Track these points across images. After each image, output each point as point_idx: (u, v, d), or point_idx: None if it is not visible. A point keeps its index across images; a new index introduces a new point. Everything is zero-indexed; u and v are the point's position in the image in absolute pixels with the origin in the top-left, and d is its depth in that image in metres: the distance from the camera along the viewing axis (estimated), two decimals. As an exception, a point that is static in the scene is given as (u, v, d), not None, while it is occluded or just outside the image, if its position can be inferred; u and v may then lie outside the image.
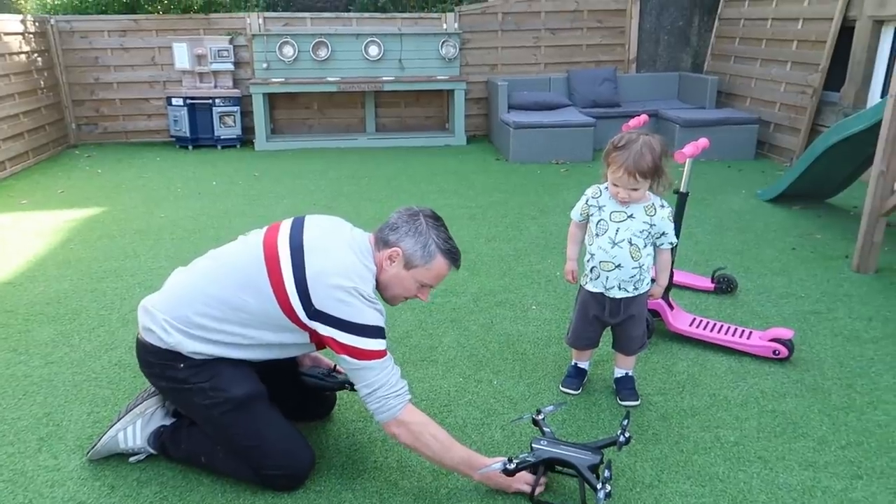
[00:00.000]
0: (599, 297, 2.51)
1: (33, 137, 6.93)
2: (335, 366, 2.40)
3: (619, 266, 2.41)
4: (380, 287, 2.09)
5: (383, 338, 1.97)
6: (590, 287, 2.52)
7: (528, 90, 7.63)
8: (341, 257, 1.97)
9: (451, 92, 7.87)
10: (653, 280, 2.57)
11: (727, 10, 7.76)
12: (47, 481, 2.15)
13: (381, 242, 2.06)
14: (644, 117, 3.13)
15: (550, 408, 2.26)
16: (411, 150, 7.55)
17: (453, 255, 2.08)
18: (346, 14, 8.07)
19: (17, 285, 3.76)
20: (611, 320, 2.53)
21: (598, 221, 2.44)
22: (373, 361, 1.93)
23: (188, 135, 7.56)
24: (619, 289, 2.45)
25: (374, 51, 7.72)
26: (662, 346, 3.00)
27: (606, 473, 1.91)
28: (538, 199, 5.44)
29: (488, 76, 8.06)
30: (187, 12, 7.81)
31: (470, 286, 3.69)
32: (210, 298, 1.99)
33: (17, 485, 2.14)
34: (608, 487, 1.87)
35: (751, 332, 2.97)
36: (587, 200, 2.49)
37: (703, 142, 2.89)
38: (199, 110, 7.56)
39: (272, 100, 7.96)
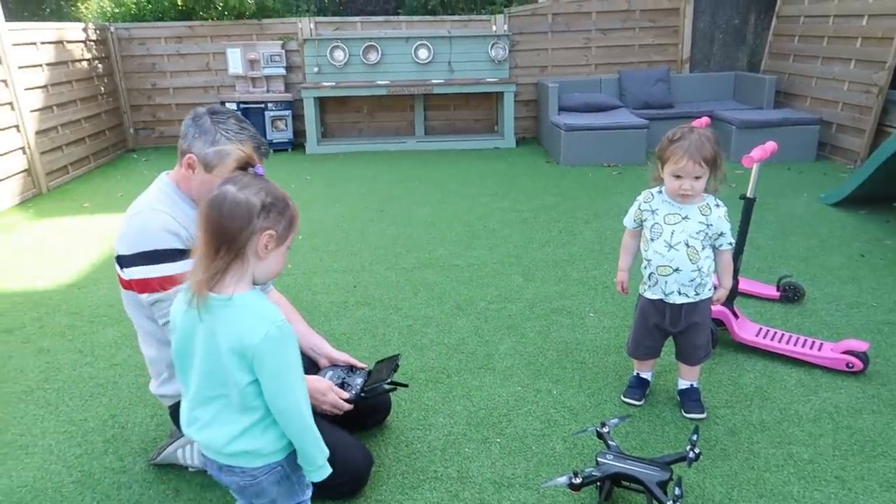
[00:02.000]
0: (659, 305, 2.43)
1: (94, 142, 7.14)
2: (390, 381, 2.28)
3: (677, 270, 2.33)
4: (198, 202, 1.95)
5: (176, 260, 1.83)
6: (648, 294, 2.45)
7: (578, 92, 7.53)
8: (131, 208, 2.00)
9: (500, 94, 7.83)
10: (715, 286, 2.48)
11: (786, 7, 7.52)
12: (114, 483, 2.19)
13: (179, 154, 1.95)
14: (706, 119, 3.03)
15: (615, 420, 2.20)
16: (460, 152, 7.53)
17: (249, 142, 1.91)
18: (395, 17, 8.10)
19: (82, 287, 3.87)
20: (672, 329, 2.45)
21: (653, 225, 2.37)
22: (163, 293, 1.86)
23: (241, 139, 7.67)
24: (679, 294, 2.37)
25: (423, 54, 7.72)
26: (728, 356, 2.90)
27: (677, 491, 1.85)
28: (591, 202, 5.35)
29: (538, 78, 7.98)
30: (241, 18, 7.95)
31: (525, 292, 3.64)
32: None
33: (85, 486, 2.18)
34: (679, 506, 1.81)
35: (821, 344, 2.85)
36: (639, 206, 2.42)
37: (770, 145, 2.78)
38: (251, 114, 7.67)
39: (323, 103, 8.04)
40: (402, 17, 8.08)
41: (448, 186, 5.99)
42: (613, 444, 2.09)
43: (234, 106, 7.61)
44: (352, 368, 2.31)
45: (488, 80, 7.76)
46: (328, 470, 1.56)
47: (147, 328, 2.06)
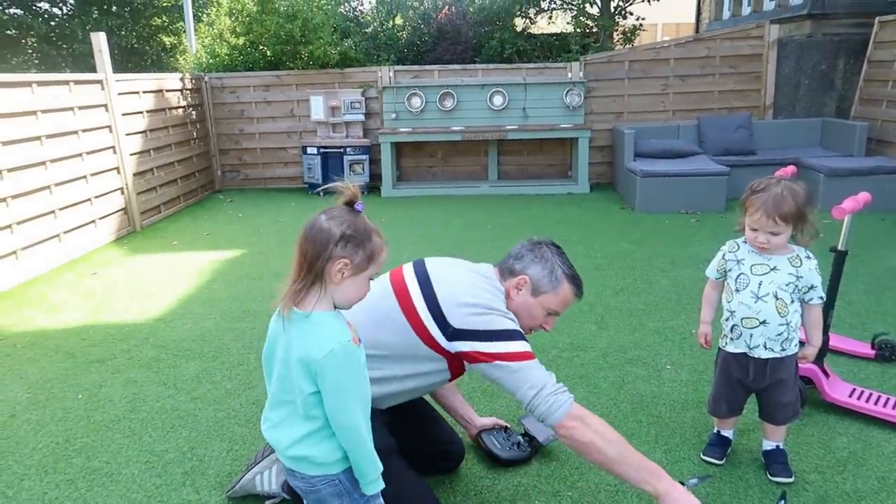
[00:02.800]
0: (742, 359, 2.33)
1: (185, 183, 7.55)
2: (524, 433, 2.52)
3: (763, 322, 2.23)
4: (522, 318, 2.10)
5: (527, 341, 1.95)
6: (731, 348, 2.35)
7: (655, 138, 7.44)
8: (468, 281, 2.02)
9: (574, 140, 7.83)
10: (802, 342, 2.36)
11: (877, 52, 7.25)
12: (190, 516, 2.25)
13: (507, 272, 2.09)
14: (792, 168, 2.94)
15: (695, 480, 2.10)
16: (533, 197, 7.54)
17: (578, 282, 2.11)
18: (472, 66, 8.28)
19: (168, 322, 4.05)
20: (756, 385, 2.34)
21: (738, 276, 2.29)
22: (527, 362, 1.90)
23: (320, 182, 7.97)
24: (765, 348, 2.27)
25: (498, 100, 7.84)
26: (818, 417, 2.73)
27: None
28: (668, 250, 5.22)
29: (613, 124, 7.95)
30: (324, 67, 8.31)
31: (598, 341, 3.56)
32: None
33: (163, 517, 2.25)
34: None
35: (923, 408, 2.65)
36: (724, 255, 2.35)
37: (863, 196, 2.66)
38: (331, 158, 7.96)
39: (399, 148, 8.25)
40: (478, 66, 8.26)
41: (520, 231, 5.99)
42: (693, 505, 1.99)
43: (314, 150, 7.92)
44: (505, 429, 2.52)
45: (563, 125, 7.78)
46: (381, 485, 1.65)
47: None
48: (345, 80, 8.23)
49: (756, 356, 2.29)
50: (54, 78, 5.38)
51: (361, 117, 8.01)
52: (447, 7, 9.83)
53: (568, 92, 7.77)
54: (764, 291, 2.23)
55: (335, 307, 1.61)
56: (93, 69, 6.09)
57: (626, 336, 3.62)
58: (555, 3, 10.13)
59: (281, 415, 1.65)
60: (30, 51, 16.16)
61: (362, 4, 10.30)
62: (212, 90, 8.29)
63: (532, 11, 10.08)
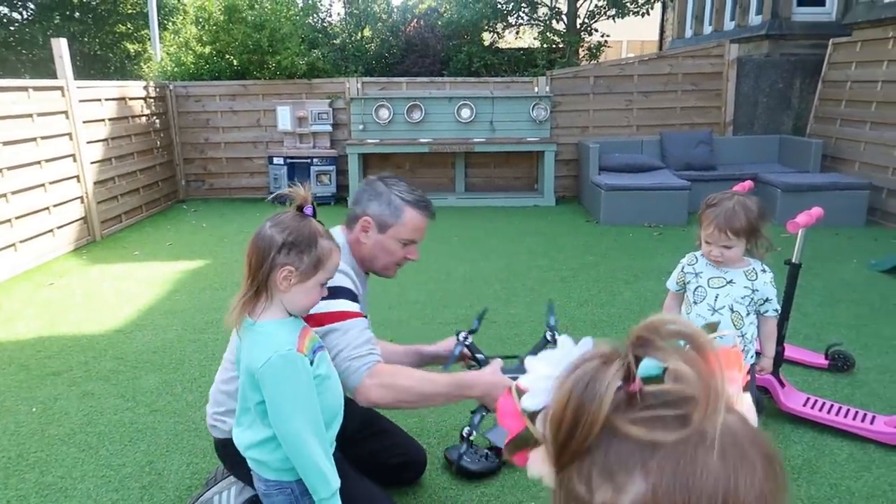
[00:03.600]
0: None
1: (147, 192, 7.43)
2: (490, 446, 2.53)
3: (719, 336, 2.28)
4: (367, 262, 2.07)
5: (354, 301, 1.89)
6: None
7: (619, 152, 7.57)
8: None
9: (540, 153, 7.92)
10: (758, 353, 2.42)
11: (832, 72, 7.50)
12: (148, 531, 2.20)
13: (351, 220, 2.06)
14: (749, 183, 3.02)
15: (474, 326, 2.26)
16: (500, 210, 7.59)
17: (421, 204, 2.04)
18: (440, 78, 8.33)
19: (128, 333, 3.97)
20: None
21: (696, 289, 2.34)
22: (337, 323, 1.83)
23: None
24: None
25: (466, 113, 7.90)
26: (774, 426, 2.80)
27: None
28: (631, 262, 5.31)
29: (579, 138, 8.07)
30: (292, 78, 8.28)
31: (562, 352, 3.60)
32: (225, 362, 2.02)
33: (119, 532, 2.19)
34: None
35: (874, 417, 2.73)
36: (682, 268, 2.41)
37: (816, 211, 2.74)
38: (297, 168, 7.91)
39: (366, 159, 8.24)
40: (446, 78, 8.31)
41: (487, 243, 6.02)
42: None
43: (280, 161, 7.87)
44: (470, 444, 2.38)
45: (529, 139, 7.87)
46: (337, 503, 1.61)
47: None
48: (312, 90, 8.20)
49: None
50: (13, 84, 5.27)
51: (329, 128, 7.99)
52: (416, 20, 9.89)
53: (534, 106, 7.87)
54: (720, 304, 2.28)
55: (289, 314, 1.61)
56: (53, 75, 5.97)
57: (589, 347, 3.66)
58: (522, 18, 10.26)
59: (248, 419, 1.66)
60: (-13, 55, 15.76)
61: (331, 16, 10.30)
62: (176, 99, 8.18)
63: (499, 26, 10.20)
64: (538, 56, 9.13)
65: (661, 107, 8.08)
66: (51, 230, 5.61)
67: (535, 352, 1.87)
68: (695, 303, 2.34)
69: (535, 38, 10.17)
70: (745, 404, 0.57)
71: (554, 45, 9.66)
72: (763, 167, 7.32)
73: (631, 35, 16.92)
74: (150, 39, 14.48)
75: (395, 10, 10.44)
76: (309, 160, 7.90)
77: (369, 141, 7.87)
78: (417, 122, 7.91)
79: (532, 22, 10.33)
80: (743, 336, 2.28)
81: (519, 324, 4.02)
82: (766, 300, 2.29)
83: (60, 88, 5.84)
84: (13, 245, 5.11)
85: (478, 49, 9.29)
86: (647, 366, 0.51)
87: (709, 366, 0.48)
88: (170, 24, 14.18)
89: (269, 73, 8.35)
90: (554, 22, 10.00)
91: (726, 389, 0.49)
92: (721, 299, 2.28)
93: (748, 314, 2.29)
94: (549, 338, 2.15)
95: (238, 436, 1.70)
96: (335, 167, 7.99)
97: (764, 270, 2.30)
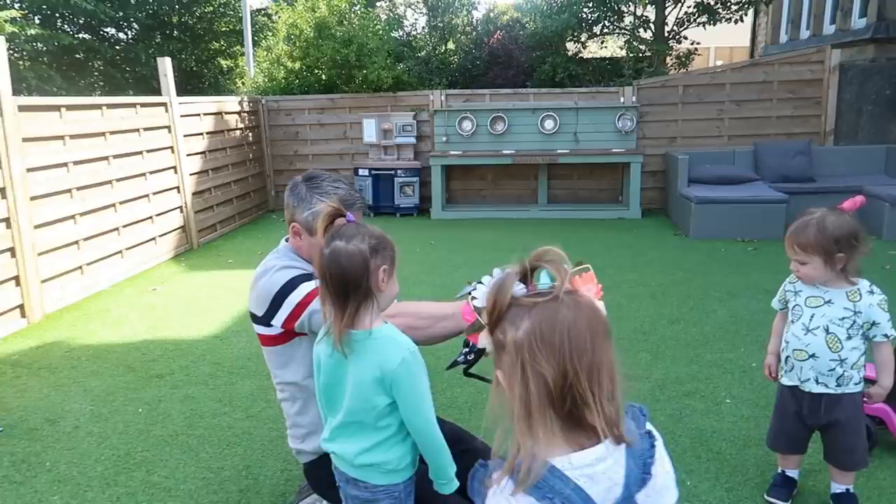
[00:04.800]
0: (797, 392, 2.25)
1: (240, 203, 7.74)
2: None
3: (813, 356, 2.16)
4: (313, 263, 2.03)
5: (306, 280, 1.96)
6: (785, 380, 2.28)
7: (710, 163, 7.31)
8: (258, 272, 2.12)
9: (626, 165, 7.76)
10: (869, 380, 2.26)
11: (946, 77, 7.00)
12: (246, 535, 2.27)
13: (288, 227, 2.09)
14: (860, 199, 2.82)
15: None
16: (583, 222, 7.47)
17: (343, 202, 1.95)
18: (523, 90, 8.31)
19: (224, 339, 4.13)
20: (812, 421, 2.25)
21: (794, 307, 2.24)
22: (312, 306, 1.89)
23: (371, 203, 8.07)
24: (817, 383, 2.18)
25: (549, 124, 7.84)
26: (890, 460, 2.61)
27: None
28: (724, 279, 5.10)
29: (666, 149, 7.85)
30: (378, 91, 8.45)
31: (653, 371, 3.49)
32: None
33: (220, 535, 2.27)
34: None
35: None
36: (784, 286, 2.30)
37: (859, 199, 2.52)
38: (382, 180, 8.06)
39: (449, 171, 8.30)
40: (530, 90, 8.29)
41: (571, 256, 5.90)
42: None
43: (366, 172, 8.04)
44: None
45: (615, 150, 7.72)
46: (456, 484, 1.67)
47: (292, 383, 2.13)
48: (397, 103, 8.35)
49: (808, 390, 2.21)
50: (123, 101, 5.61)
51: (413, 140, 8.10)
52: (499, 32, 9.92)
53: (620, 116, 7.72)
54: (815, 324, 2.16)
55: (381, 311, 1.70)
56: (154, 91, 6.33)
57: (682, 367, 3.54)
58: (607, 27, 10.11)
59: (349, 431, 1.68)
60: (96, 73, 16.89)
61: (416, 29, 10.47)
62: (268, 112, 8.51)
63: (584, 36, 10.08)
64: (624, 65, 8.98)
65: (755, 116, 7.76)
66: (153, 238, 5.93)
67: None
68: (792, 322, 2.23)
69: (620, 48, 10.00)
70: (598, 306, 1.05)
71: (640, 54, 9.46)
72: (868, 179, 6.89)
73: (719, 41, 16.37)
74: (243, 55, 15.15)
75: (478, 22, 10.51)
76: (393, 172, 8.03)
77: (452, 153, 7.93)
78: (500, 133, 7.91)
79: (618, 31, 10.16)
80: (841, 360, 2.13)
81: (607, 340, 3.92)
82: (874, 324, 2.14)
83: (164, 104, 6.18)
84: (120, 252, 5.43)
85: (562, 59, 9.22)
86: (543, 282, 1.06)
87: (561, 273, 1.00)
88: (263, 40, 14.82)
89: (356, 87, 8.57)
90: (640, 30, 9.80)
91: (576, 286, 1.03)
92: (816, 319, 2.16)
93: (849, 338, 2.14)
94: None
95: (341, 447, 1.70)
96: (418, 179, 8.09)
97: (871, 292, 2.15)
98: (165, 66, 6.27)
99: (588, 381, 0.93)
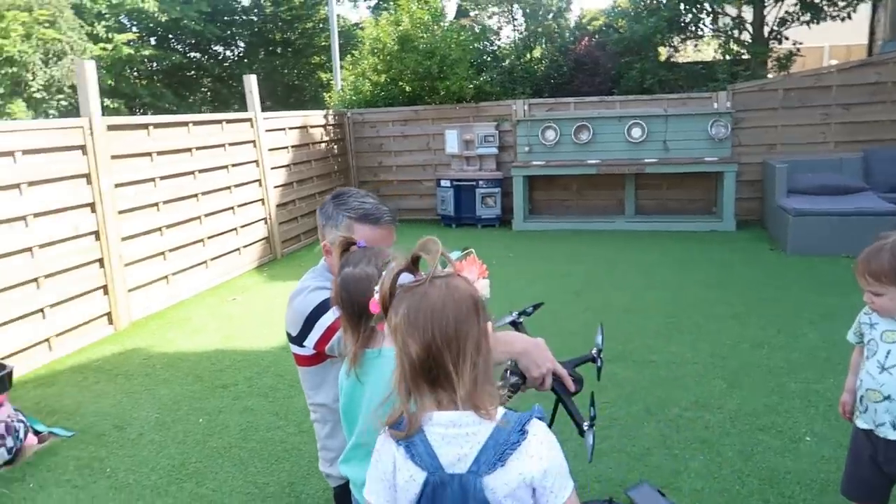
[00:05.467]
0: (872, 436, 1.98)
1: (325, 214, 7.92)
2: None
3: (888, 398, 1.89)
4: None
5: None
6: (860, 422, 2.02)
7: (812, 172, 6.77)
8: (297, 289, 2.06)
9: (720, 174, 7.33)
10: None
11: None
12: (278, 556, 2.26)
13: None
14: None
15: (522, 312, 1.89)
16: (673, 234, 7.12)
17: (369, 217, 1.96)
18: (609, 97, 8.05)
19: (290, 351, 4.19)
20: (890, 469, 1.97)
21: (869, 341, 1.98)
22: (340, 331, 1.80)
23: (453, 214, 8.06)
24: (894, 428, 1.91)
25: (636, 133, 7.54)
26: None
27: None
28: (821, 300, 4.68)
29: (764, 157, 7.35)
30: (460, 102, 8.44)
31: (727, 401, 3.22)
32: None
33: (254, 554, 2.27)
34: None
35: None
36: (860, 317, 2.03)
37: None
38: (463, 191, 8.03)
39: (532, 181, 8.15)
40: (616, 97, 8.01)
41: (654, 271, 5.65)
42: None
43: (448, 183, 8.03)
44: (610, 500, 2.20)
45: (707, 159, 7.31)
46: None
47: (323, 405, 2.12)
48: (479, 113, 8.30)
49: (882, 435, 1.94)
50: (210, 118, 5.88)
51: (495, 150, 8.02)
52: (586, 38, 9.68)
53: (713, 123, 7.30)
54: (891, 362, 1.90)
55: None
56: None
57: (760, 398, 3.25)
58: (701, 30, 9.64)
59: (361, 453, 1.64)
60: (204, 89, 17.95)
61: (500, 39, 10.41)
62: (353, 125, 8.69)
63: (676, 40, 9.66)
64: (719, 69, 8.51)
65: (865, 120, 7.12)
66: (237, 249, 6.16)
67: (578, 363, 1.83)
68: (867, 357, 1.97)
69: (716, 51, 9.49)
70: (480, 284, 1.17)
71: (737, 57, 8.94)
72: None
73: (834, 40, 15.24)
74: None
75: (567, 28, 10.31)
76: (475, 182, 7.98)
77: (535, 163, 7.78)
78: (585, 142, 7.69)
79: (713, 33, 9.66)
80: None
81: (679, 364, 3.68)
82: None
83: (249, 120, 6.42)
84: (204, 262, 5.68)
85: (651, 65, 8.87)
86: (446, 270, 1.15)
87: (433, 260, 1.12)
88: (349, 54, 15.27)
89: (439, 98, 8.60)
90: (737, 32, 9.27)
91: (460, 269, 1.17)
92: (893, 356, 1.89)
93: None
94: (594, 354, 1.90)
95: (357, 473, 1.65)
96: (500, 189, 8.00)
97: None
98: (251, 83, 6.52)
99: (450, 354, 1.08)
